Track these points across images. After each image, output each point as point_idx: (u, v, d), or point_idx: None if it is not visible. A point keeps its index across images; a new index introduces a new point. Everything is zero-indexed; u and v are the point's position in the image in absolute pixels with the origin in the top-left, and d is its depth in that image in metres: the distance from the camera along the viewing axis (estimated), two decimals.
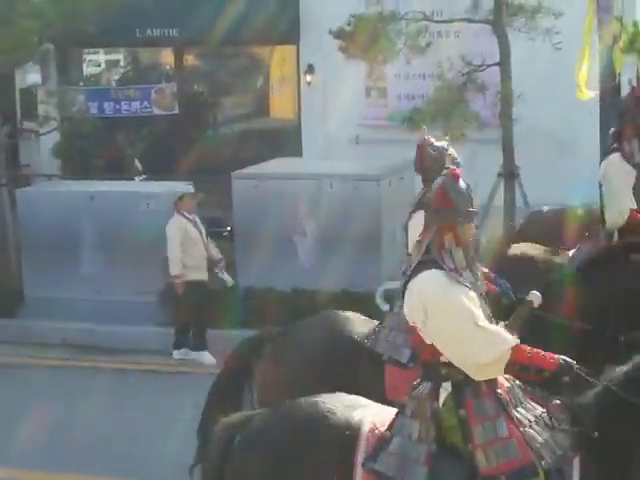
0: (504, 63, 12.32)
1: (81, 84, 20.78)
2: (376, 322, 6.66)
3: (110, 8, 15.51)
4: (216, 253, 12.07)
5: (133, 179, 16.09)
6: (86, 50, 21.50)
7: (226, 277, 12.05)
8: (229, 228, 13.53)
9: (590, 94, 11.83)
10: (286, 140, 19.16)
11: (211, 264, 11.98)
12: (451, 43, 16.35)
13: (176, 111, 19.47)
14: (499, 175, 12.29)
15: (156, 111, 19.51)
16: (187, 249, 11.76)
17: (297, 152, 18.24)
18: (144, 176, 16.78)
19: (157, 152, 19.97)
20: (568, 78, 12.25)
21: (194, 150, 19.52)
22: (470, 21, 12.79)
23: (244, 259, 12.41)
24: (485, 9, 12.51)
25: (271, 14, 18.25)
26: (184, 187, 13.37)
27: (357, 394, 5.34)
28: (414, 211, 6.30)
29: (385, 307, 11.26)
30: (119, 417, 9.94)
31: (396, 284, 11.49)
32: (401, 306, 5.43)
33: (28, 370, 11.99)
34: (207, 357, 11.60)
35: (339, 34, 13.35)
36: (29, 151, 20.30)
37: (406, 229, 6.57)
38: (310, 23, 18.32)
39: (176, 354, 11.81)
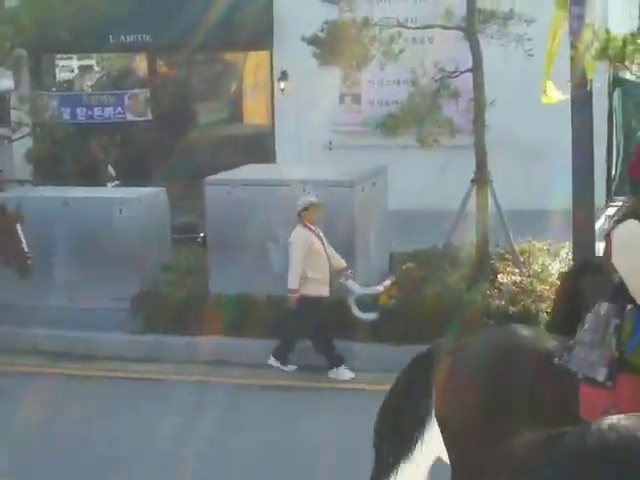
0: (477, 70, 12.35)
1: (54, 90, 20.72)
2: (557, 338, 6.45)
3: (83, 14, 15.46)
4: (340, 262, 11.44)
5: (106, 185, 16.01)
6: (59, 56, 21.47)
7: (352, 285, 11.43)
8: (202, 234, 13.49)
9: (557, 97, 11.86)
10: (260, 146, 19.16)
11: (334, 275, 11.37)
12: (425, 49, 16.42)
13: (149, 117, 19.45)
14: (472, 181, 12.31)
15: (129, 117, 19.48)
16: (310, 263, 11.17)
17: (271, 158, 18.25)
18: (117, 182, 16.73)
19: (130, 158, 19.91)
20: (540, 85, 12.29)
21: (167, 156, 19.49)
22: (443, 28, 12.81)
23: (217, 265, 12.36)
24: (458, 16, 12.53)
25: (244, 20, 18.26)
26: (157, 192, 13.35)
27: (547, 412, 5.47)
28: (620, 220, 5.74)
29: (358, 313, 11.29)
30: (92, 423, 9.90)
31: (369, 290, 11.57)
32: (591, 321, 5.52)
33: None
34: (346, 373, 11.08)
35: (313, 40, 13.34)
36: (1, 157, 20.20)
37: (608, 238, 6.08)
38: (283, 29, 18.37)
39: (272, 361, 11.31)
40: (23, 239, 11.50)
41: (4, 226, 11.48)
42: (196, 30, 18.28)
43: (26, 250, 11.51)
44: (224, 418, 9.93)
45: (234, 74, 20.54)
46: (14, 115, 17.56)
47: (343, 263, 11.45)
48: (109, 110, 19.41)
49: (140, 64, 20.91)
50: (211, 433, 9.54)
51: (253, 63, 20.12)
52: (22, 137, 16.59)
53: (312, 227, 11.31)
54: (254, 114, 20.30)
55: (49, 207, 13.54)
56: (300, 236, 11.22)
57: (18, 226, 11.56)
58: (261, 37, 18.67)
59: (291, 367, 11.33)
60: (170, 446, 9.24)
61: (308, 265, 11.13)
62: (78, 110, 19.50)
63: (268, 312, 11.59)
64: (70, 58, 22.01)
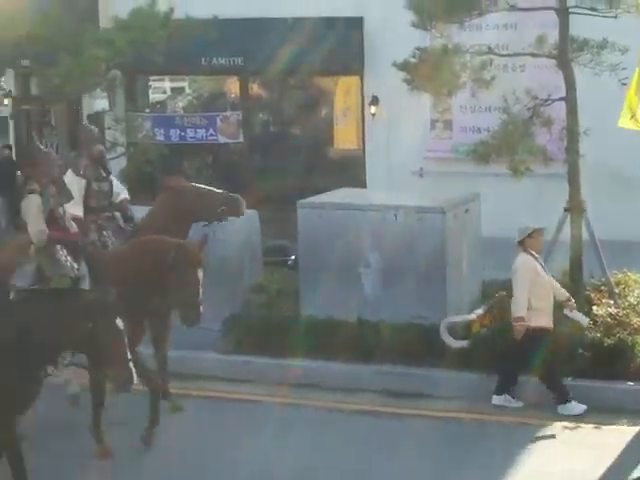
0: (569, 98, 12.27)
1: (147, 111, 21.04)
2: None
3: (177, 37, 15.70)
4: (563, 292, 11.02)
5: None
6: (152, 77, 21.75)
7: (578, 316, 11.01)
8: (293, 257, 13.57)
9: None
10: (350, 171, 19.23)
11: (557, 306, 10.94)
12: (516, 76, 16.37)
13: (241, 140, 19.63)
14: (565, 210, 12.21)
15: (221, 139, 19.69)
16: (535, 291, 10.69)
17: (361, 183, 18.30)
18: None
19: (222, 180, 20.07)
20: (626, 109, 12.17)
21: (259, 178, 19.65)
22: (535, 55, 12.74)
23: (308, 288, 12.43)
24: (550, 43, 12.47)
25: (336, 45, 18.39)
26: (249, 215, 13.46)
27: None
28: None
29: (449, 340, 11.25)
30: (187, 439, 10.04)
31: (461, 317, 11.53)
32: None
33: None
34: (578, 407, 10.58)
35: (404, 66, 13.39)
36: None
37: None
38: (374, 55, 18.46)
39: (496, 400, 10.80)
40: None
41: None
42: (288, 54, 18.47)
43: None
44: (315, 440, 10.01)
45: (325, 98, 20.65)
46: (109, 135, 17.87)
47: (566, 293, 11.06)
48: (201, 132, 19.65)
49: (232, 87, 21.12)
50: (303, 456, 9.64)
51: (344, 88, 20.22)
52: (117, 157, 16.85)
53: (535, 254, 10.92)
54: (345, 138, 20.38)
55: None
56: (525, 264, 10.79)
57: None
58: (352, 62, 18.78)
59: (518, 403, 10.80)
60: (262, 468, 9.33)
61: (533, 294, 10.69)
62: (171, 131, 19.79)
63: (359, 336, 11.61)
64: (162, 80, 22.31)
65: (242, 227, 13.12)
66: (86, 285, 9.81)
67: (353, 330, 11.67)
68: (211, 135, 19.71)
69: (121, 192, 11.48)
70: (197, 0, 17.37)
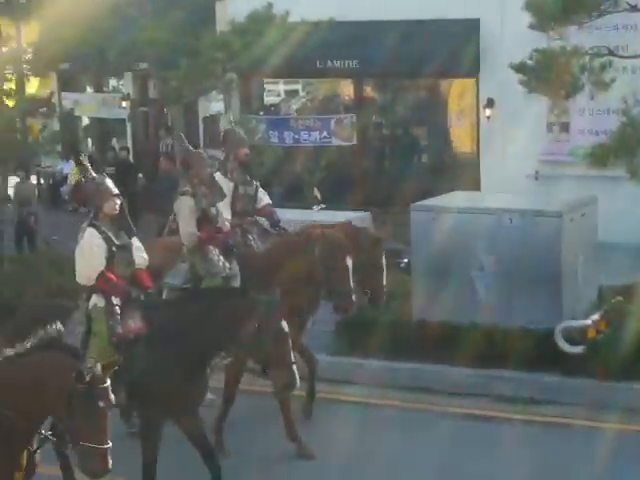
0: None
1: (261, 113, 21.20)
2: None
3: (293, 40, 15.78)
4: None
5: (311, 208, 16.25)
6: (267, 80, 21.90)
7: None
8: (406, 259, 13.53)
9: None
10: (464, 173, 19.10)
11: None
12: (636, 78, 16.07)
13: (354, 142, 19.65)
14: None
15: (335, 141, 19.74)
16: None
17: (475, 186, 18.17)
18: (323, 205, 16.94)
19: (335, 182, 20.18)
20: None
21: (372, 181, 19.64)
22: None
23: (421, 291, 12.38)
24: None
25: (452, 48, 18.28)
26: (362, 217, 13.47)
27: None
28: None
29: (565, 346, 11.07)
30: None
31: (577, 322, 11.34)
32: None
33: None
34: None
35: (520, 68, 13.23)
36: None
37: None
38: (490, 57, 18.29)
39: None
40: (384, 268, 10.75)
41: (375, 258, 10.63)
42: (403, 57, 18.43)
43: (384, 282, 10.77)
44: (419, 440, 9.95)
45: (439, 101, 20.55)
46: None
47: None
48: (315, 134, 19.74)
49: (346, 89, 21.16)
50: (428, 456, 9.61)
51: (459, 90, 20.09)
52: None
53: None
54: (459, 141, 20.26)
55: None
56: None
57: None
58: (468, 65, 18.63)
59: None
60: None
61: None
62: (285, 133, 19.92)
63: (472, 340, 11.51)
64: (277, 82, 22.45)
65: None
66: (237, 284, 10.07)
67: (466, 334, 11.57)
68: (325, 137, 19.78)
69: (264, 197, 11.39)
70: (313, 3, 17.45)
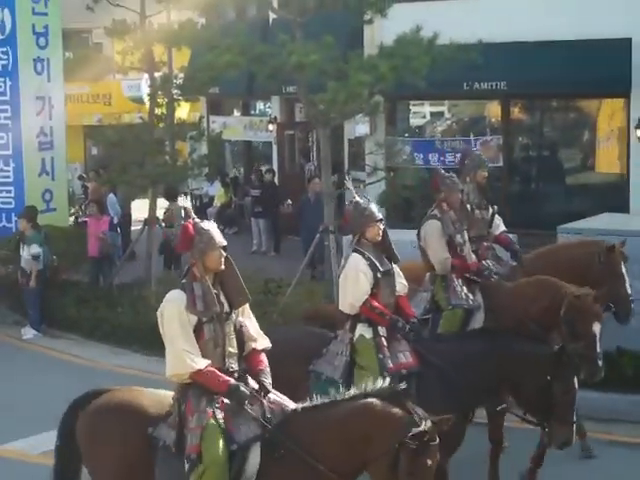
0: None
1: (406, 135, 21.22)
2: None
3: (440, 62, 15.72)
4: None
5: None
6: (412, 102, 21.93)
7: None
8: None
9: None
10: (613, 195, 18.75)
11: None
12: None
13: (501, 164, 19.49)
14: None
15: None
16: None
17: (624, 208, 17.79)
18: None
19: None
20: None
21: (518, 202, 19.42)
22: None
23: None
24: None
25: (602, 67, 17.98)
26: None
27: None
28: None
29: None
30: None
31: None
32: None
33: None
34: None
35: None
36: None
37: None
38: None
39: None
40: (627, 279, 10.14)
41: (612, 266, 10.12)
42: (551, 77, 18.21)
43: (629, 292, 10.13)
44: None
45: (588, 122, 20.23)
46: (369, 160, 18.10)
47: None
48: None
49: (492, 111, 21.02)
50: None
51: (608, 110, 19.73)
52: (377, 181, 17.05)
53: None
54: (608, 162, 19.89)
55: (399, 249, 13.84)
56: None
57: (623, 265, 10.24)
58: (618, 84, 18.29)
59: None
60: None
61: None
62: (430, 155, 19.90)
63: (617, 366, 11.21)
64: (422, 104, 22.45)
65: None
66: (480, 317, 9.55)
67: (611, 360, 11.30)
68: None
69: (500, 223, 10.98)
70: (462, 25, 17.42)
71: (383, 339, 8.22)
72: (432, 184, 9.95)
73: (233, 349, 6.88)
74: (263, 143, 26.57)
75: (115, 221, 20.22)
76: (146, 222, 17.99)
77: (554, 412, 7.73)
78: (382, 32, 17.92)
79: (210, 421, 6.64)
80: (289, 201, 22.72)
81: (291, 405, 6.70)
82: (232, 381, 6.73)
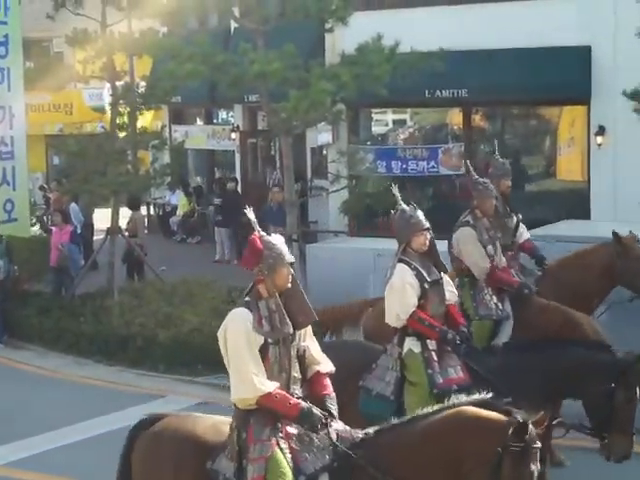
0: None
1: (369, 143, 21.26)
2: None
3: (402, 71, 15.78)
4: None
5: None
6: (375, 110, 21.97)
7: None
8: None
9: None
10: (574, 202, 18.86)
11: None
12: None
13: (462, 171, 19.57)
14: None
15: (442, 171, 19.68)
16: None
17: (585, 215, 17.91)
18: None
19: (442, 211, 20.05)
20: None
21: None
22: None
23: None
24: None
25: (562, 75, 18.10)
26: None
27: None
28: None
29: None
30: None
31: None
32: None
33: None
34: None
35: (634, 94, 13.06)
36: (318, 208, 20.89)
37: None
38: (602, 84, 18.05)
39: None
40: None
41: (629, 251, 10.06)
42: (512, 85, 18.32)
43: None
44: None
45: (549, 129, 20.35)
46: (332, 168, 18.12)
47: None
48: (423, 164, 19.73)
49: (454, 118, 21.10)
50: None
51: (569, 118, 19.86)
52: (339, 189, 17.07)
53: None
54: (569, 170, 20.00)
55: (363, 258, 13.92)
56: None
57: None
58: (578, 91, 18.43)
59: None
60: None
61: None
62: (393, 163, 19.95)
63: None
64: (385, 112, 22.50)
65: None
66: (509, 328, 9.24)
67: None
68: (432, 167, 19.74)
69: (524, 231, 10.79)
70: (422, 33, 17.48)
71: (433, 353, 7.85)
72: (464, 190, 9.71)
73: (297, 374, 6.38)
74: (225, 151, 26.54)
75: (79, 230, 20.12)
76: (108, 231, 17.90)
77: (614, 422, 7.51)
78: (343, 40, 17.97)
79: (275, 451, 6.18)
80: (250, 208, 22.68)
81: (360, 431, 6.30)
82: (303, 404, 6.24)
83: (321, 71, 15.48)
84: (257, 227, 6.55)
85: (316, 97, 14.93)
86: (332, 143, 20.89)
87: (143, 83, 19.02)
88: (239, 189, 23.60)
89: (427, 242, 7.85)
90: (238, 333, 6.21)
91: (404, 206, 7.98)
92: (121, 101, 17.71)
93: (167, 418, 6.92)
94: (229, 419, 6.51)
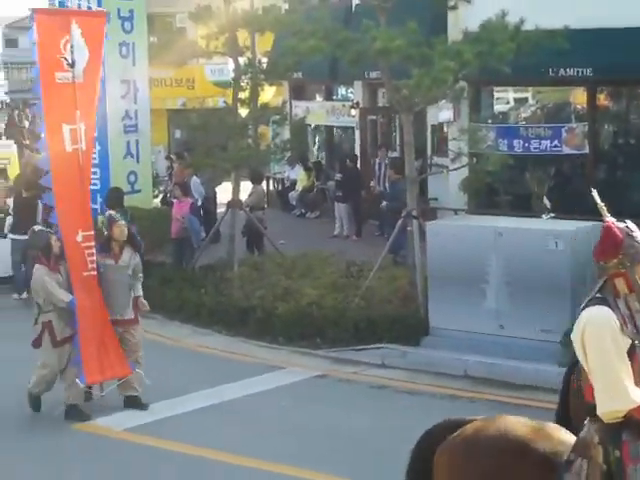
0: None
1: (489, 121, 21.08)
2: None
3: (525, 49, 15.59)
4: None
5: (540, 217, 16.03)
6: (497, 88, 21.76)
7: None
8: None
9: None
10: None
11: None
12: None
13: (586, 151, 19.28)
14: None
15: (565, 150, 19.41)
16: None
17: None
18: (552, 214, 16.68)
19: (565, 191, 19.85)
20: None
21: (603, 190, 19.13)
22: None
23: None
24: None
25: None
26: (593, 227, 13.18)
27: None
28: None
29: None
30: None
31: None
32: None
33: (425, 397, 12.40)
34: None
35: None
36: (438, 186, 20.84)
37: None
38: None
39: None
40: None
41: None
42: (639, 64, 17.93)
43: None
44: None
45: None
46: (453, 145, 18.01)
47: None
48: (546, 143, 19.45)
49: (578, 97, 20.76)
50: None
51: None
52: (460, 167, 16.97)
53: None
54: None
55: (483, 236, 13.85)
56: None
57: None
58: None
59: None
60: None
61: None
62: (515, 142, 19.73)
63: None
64: (507, 91, 22.26)
65: (585, 239, 12.85)
66: None
67: None
68: (555, 146, 19.47)
69: None
70: (548, 11, 17.22)
71: None
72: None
73: None
74: (345, 128, 26.61)
75: (199, 203, 20.45)
76: (229, 205, 18.15)
77: None
78: (466, 18, 17.81)
79: None
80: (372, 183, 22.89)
81: None
82: None
83: (444, 48, 15.36)
84: (605, 212, 5.81)
85: (439, 75, 14.85)
86: (453, 121, 20.77)
87: (265, 59, 19.16)
88: (358, 165, 23.67)
89: None
90: (604, 335, 5.43)
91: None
92: (243, 76, 17.88)
93: (472, 423, 6.10)
94: (554, 425, 5.88)
